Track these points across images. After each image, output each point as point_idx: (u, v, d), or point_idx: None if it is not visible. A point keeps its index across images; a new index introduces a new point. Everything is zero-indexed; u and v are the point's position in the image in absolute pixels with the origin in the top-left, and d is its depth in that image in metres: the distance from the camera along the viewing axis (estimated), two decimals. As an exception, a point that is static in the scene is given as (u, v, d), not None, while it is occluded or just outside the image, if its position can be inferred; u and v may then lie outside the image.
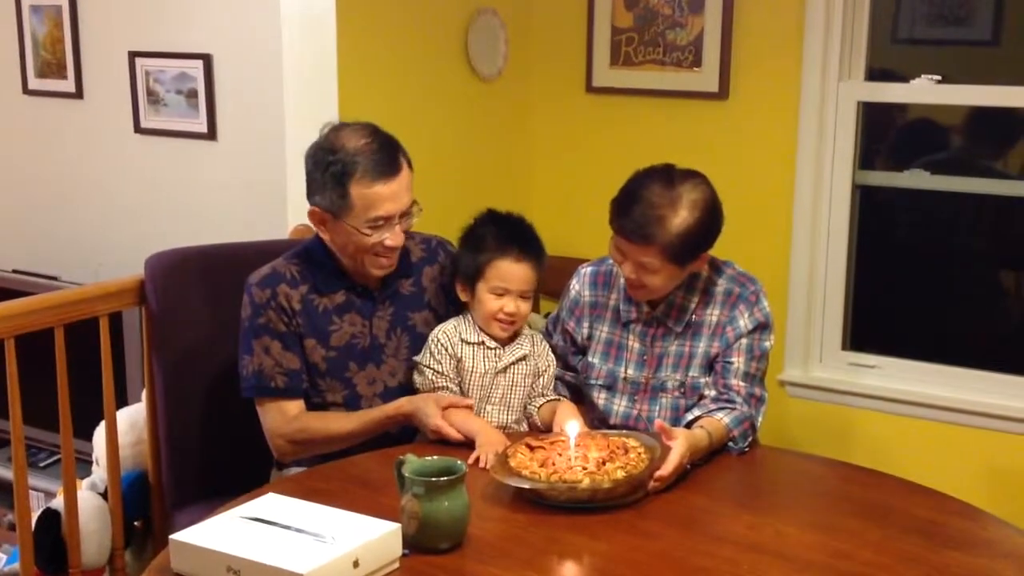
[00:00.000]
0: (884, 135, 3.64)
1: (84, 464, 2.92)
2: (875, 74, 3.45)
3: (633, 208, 2.32)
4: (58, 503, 2.71)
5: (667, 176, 2.34)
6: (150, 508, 2.83)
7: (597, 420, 2.50)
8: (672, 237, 2.29)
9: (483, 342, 2.45)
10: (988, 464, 3.33)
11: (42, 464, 3.48)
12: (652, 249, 2.31)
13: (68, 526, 2.64)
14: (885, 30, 3.50)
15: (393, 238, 2.37)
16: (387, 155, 2.35)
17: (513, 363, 2.47)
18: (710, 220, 2.34)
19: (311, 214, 2.44)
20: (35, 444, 3.44)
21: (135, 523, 2.86)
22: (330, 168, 2.34)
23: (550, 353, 2.55)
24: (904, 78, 3.43)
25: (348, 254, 2.42)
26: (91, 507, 2.73)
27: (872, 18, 3.41)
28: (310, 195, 2.41)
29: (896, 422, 3.47)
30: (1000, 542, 1.97)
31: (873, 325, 3.63)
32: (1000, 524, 2.01)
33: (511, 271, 2.41)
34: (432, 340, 2.46)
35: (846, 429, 3.52)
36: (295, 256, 2.50)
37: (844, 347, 3.59)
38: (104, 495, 2.77)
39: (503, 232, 2.45)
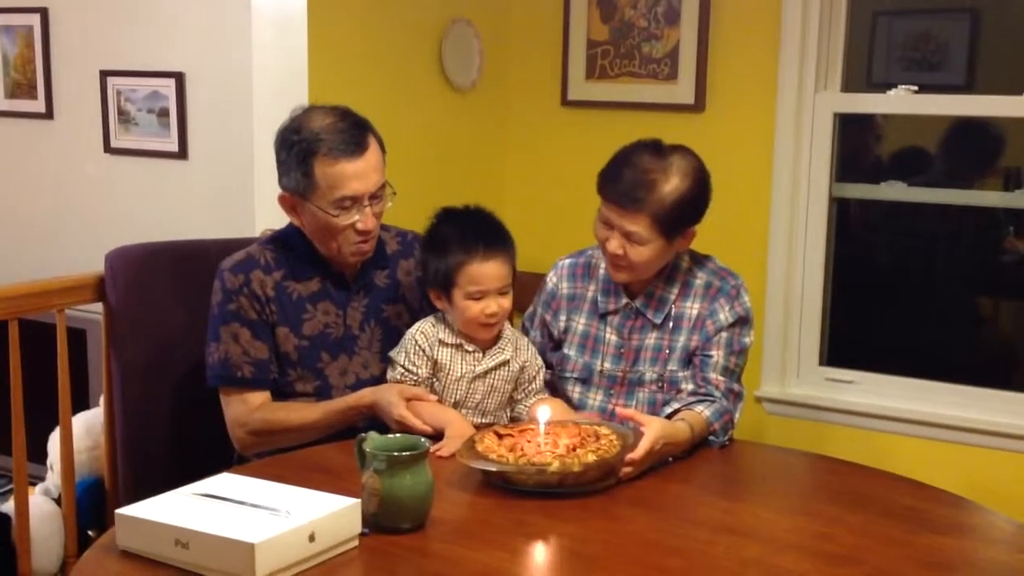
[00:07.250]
0: (862, 154, 3.61)
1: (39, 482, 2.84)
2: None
3: (623, 173, 2.29)
4: (8, 507, 2.60)
5: (656, 146, 2.34)
6: (106, 517, 2.72)
7: (570, 414, 2.42)
8: (663, 203, 2.26)
9: (461, 344, 2.32)
10: (969, 479, 3.24)
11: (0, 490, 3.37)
12: (641, 216, 2.26)
13: (18, 530, 2.53)
14: (860, 74, 3.50)
15: (364, 221, 2.30)
16: (353, 133, 2.28)
17: (493, 368, 2.34)
18: (700, 190, 2.32)
19: (281, 199, 2.37)
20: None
21: (90, 532, 2.75)
22: (295, 147, 2.29)
23: (537, 356, 2.42)
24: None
25: (321, 240, 2.35)
26: (43, 512, 2.64)
27: (847, 47, 3.38)
28: (280, 179, 2.35)
29: (875, 438, 3.39)
30: (986, 527, 1.91)
31: (851, 340, 3.57)
32: (986, 511, 1.95)
33: (482, 272, 2.26)
34: (409, 340, 2.33)
35: (824, 445, 3.43)
36: (270, 242, 2.43)
37: (821, 362, 3.52)
38: (58, 501, 2.67)
39: (464, 231, 2.30)
